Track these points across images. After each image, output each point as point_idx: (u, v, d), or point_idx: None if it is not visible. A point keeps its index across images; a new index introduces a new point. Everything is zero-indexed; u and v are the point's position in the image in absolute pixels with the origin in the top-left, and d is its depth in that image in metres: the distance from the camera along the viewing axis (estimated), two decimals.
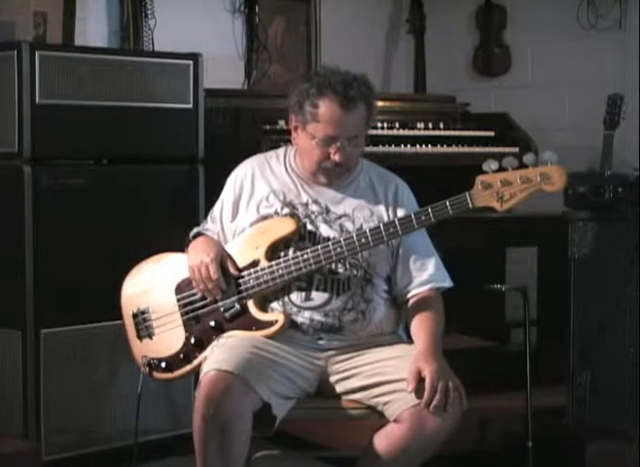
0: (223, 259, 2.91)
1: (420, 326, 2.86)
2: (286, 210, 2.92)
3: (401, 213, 2.90)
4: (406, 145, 4.21)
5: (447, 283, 2.97)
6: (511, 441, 3.52)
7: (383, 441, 2.72)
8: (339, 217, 2.92)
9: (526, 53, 4.93)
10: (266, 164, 3.02)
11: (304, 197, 2.94)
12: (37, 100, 3.47)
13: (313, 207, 2.92)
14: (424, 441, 2.68)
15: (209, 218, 3.10)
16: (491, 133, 4.48)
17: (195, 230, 3.09)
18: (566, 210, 3.47)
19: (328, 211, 2.92)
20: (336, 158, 2.85)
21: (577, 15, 4.62)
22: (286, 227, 2.88)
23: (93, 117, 3.59)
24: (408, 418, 2.67)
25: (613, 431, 3.39)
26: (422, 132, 4.37)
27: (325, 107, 2.83)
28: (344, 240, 2.82)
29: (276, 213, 2.92)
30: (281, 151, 3.07)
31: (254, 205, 2.96)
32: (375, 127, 4.15)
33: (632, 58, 4.43)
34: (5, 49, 3.53)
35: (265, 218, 2.93)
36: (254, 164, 3.04)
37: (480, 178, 2.75)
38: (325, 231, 2.90)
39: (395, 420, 2.70)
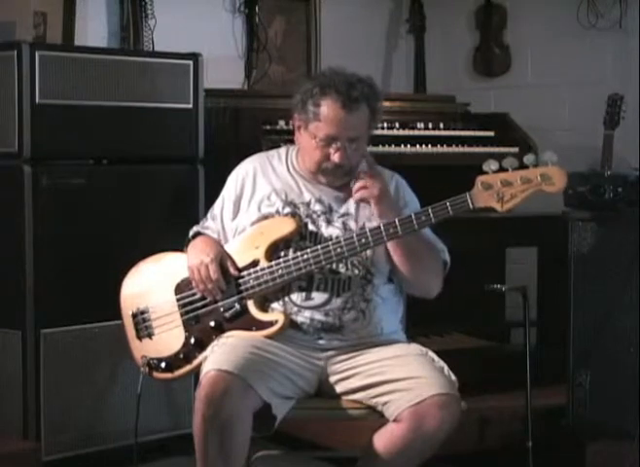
0: (222, 259, 2.91)
1: None
2: (287, 209, 2.92)
3: (404, 210, 2.89)
4: (406, 145, 4.20)
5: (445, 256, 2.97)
6: (511, 441, 3.52)
7: (383, 441, 2.72)
8: (342, 216, 2.91)
9: (526, 53, 4.93)
10: (267, 163, 3.02)
11: (307, 197, 2.93)
12: (37, 100, 3.47)
13: (316, 207, 2.92)
14: (424, 441, 2.68)
15: (209, 215, 3.09)
16: (491, 133, 4.47)
17: (195, 229, 3.08)
18: (566, 210, 3.47)
19: (331, 210, 2.92)
20: (335, 158, 2.84)
21: (577, 14, 4.61)
22: (286, 226, 2.88)
23: (93, 117, 3.59)
24: (408, 418, 2.66)
25: (613, 431, 3.39)
26: (422, 132, 4.36)
27: (327, 107, 2.82)
28: (344, 240, 2.81)
29: (277, 212, 2.92)
30: (283, 150, 3.06)
31: (255, 204, 2.95)
32: (375, 127, 4.13)
33: (632, 58, 4.43)
34: (5, 49, 3.53)
35: (266, 217, 2.92)
36: (256, 163, 3.03)
37: (480, 178, 2.74)
38: (327, 230, 2.89)
39: (395, 420, 2.70)
